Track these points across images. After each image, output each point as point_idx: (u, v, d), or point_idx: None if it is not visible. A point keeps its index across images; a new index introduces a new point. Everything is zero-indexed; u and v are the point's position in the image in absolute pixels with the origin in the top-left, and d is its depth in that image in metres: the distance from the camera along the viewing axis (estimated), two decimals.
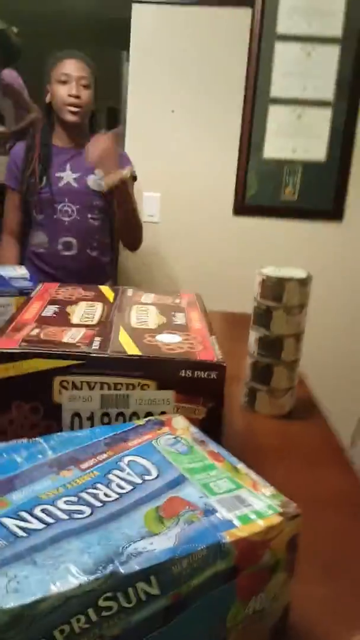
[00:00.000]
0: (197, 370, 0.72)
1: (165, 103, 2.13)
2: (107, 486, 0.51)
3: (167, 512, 0.47)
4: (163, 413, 0.73)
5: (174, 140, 2.15)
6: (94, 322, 0.84)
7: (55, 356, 0.70)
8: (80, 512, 0.46)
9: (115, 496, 0.49)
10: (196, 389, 0.73)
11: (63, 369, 0.70)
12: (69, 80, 1.63)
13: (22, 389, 0.70)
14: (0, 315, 1.11)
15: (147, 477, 0.53)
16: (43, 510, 0.46)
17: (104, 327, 0.81)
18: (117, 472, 0.54)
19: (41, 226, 1.72)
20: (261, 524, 0.46)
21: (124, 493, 0.50)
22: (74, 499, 0.48)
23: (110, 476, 0.53)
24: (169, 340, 0.78)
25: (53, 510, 0.46)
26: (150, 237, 1.94)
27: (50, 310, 0.87)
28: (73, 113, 1.65)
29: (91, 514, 0.46)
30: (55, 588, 0.37)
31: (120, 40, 2.31)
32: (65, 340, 0.74)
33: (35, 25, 3.73)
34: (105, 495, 0.50)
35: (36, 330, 0.77)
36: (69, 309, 0.89)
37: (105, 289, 1.05)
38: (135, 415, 0.73)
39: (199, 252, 2.24)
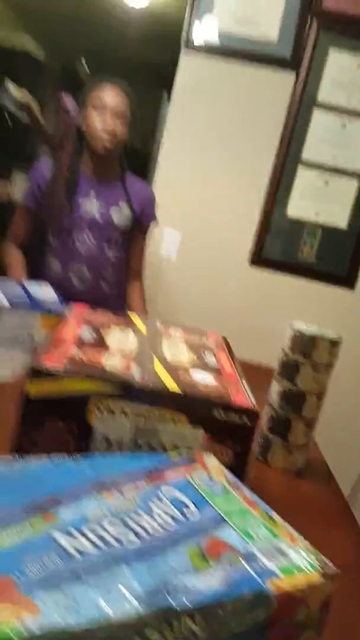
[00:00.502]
0: (230, 413, 0.73)
1: (198, 148, 2.19)
2: (150, 515, 0.51)
3: (210, 551, 0.47)
4: (191, 450, 0.73)
5: (202, 185, 2.20)
6: (129, 349, 0.85)
7: (96, 379, 0.71)
8: (128, 538, 0.46)
9: (158, 528, 0.50)
10: (227, 431, 0.73)
11: (101, 393, 0.71)
12: (104, 110, 1.56)
13: (59, 407, 0.70)
14: (28, 332, 1.12)
15: (186, 513, 0.53)
16: (92, 531, 0.46)
17: (140, 356, 0.83)
18: (157, 502, 0.54)
19: (55, 253, 1.68)
20: (302, 579, 0.46)
21: (166, 526, 0.50)
22: (120, 524, 0.48)
23: (151, 505, 0.53)
24: (203, 379, 0.79)
25: (102, 533, 0.46)
26: (165, 274, 1.97)
27: (86, 332, 0.88)
28: (104, 145, 1.58)
29: (138, 542, 0.46)
30: (110, 611, 0.37)
31: (164, 81, 2.40)
32: (105, 364, 0.75)
33: (97, 63, 3.87)
34: (149, 525, 0.50)
35: (77, 351, 0.78)
36: (103, 332, 0.90)
37: (134, 317, 1.07)
38: (163, 448, 0.73)
39: (212, 295, 2.27)
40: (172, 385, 0.74)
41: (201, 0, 2.06)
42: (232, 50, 2.10)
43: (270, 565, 0.47)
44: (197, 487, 0.58)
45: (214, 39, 2.09)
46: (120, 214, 1.66)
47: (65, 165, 1.62)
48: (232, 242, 2.24)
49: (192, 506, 0.54)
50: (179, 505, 0.54)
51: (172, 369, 0.80)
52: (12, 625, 0.33)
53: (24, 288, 1.25)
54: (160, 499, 0.54)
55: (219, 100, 2.16)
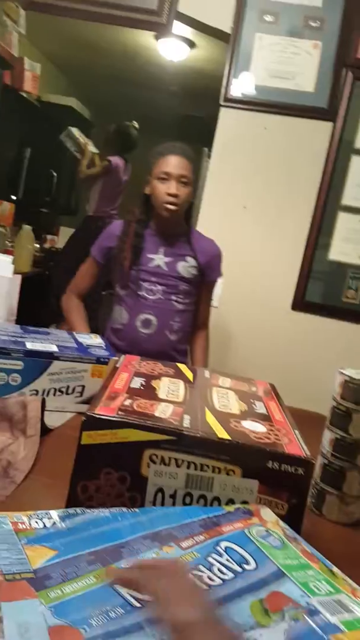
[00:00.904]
0: (284, 464, 0.72)
1: (238, 198, 2.24)
2: (210, 569, 0.52)
3: (271, 605, 0.47)
4: (245, 502, 0.72)
5: (243, 233, 2.24)
6: (180, 399, 0.86)
7: (149, 429, 0.72)
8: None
9: (219, 581, 0.50)
10: (281, 482, 0.72)
11: (154, 442, 0.72)
12: (169, 179, 1.65)
13: (113, 457, 0.72)
14: (77, 380, 1.14)
15: (246, 567, 0.53)
16: None
17: (190, 406, 0.83)
18: (215, 556, 0.54)
19: (122, 302, 1.75)
20: None
21: (227, 579, 0.51)
22: None
23: (210, 559, 0.53)
24: (254, 429, 0.79)
25: None
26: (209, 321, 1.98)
27: (137, 383, 0.89)
28: (169, 210, 1.66)
29: None
30: None
31: (204, 137, 2.48)
32: (157, 414, 0.76)
33: (125, 114, 4.04)
34: (210, 579, 0.50)
35: (129, 401, 0.79)
36: (154, 383, 0.91)
37: (183, 367, 1.08)
38: (217, 500, 0.72)
39: (256, 341, 2.27)
40: (223, 435, 0.74)
41: (239, 57, 2.15)
42: (270, 103, 2.16)
43: (334, 619, 0.47)
44: (254, 540, 0.58)
45: (252, 92, 2.16)
46: (187, 267, 1.73)
47: (133, 224, 1.73)
48: (274, 288, 2.25)
49: (251, 560, 0.54)
50: (238, 559, 0.54)
51: (223, 419, 0.80)
52: None
53: (74, 337, 1.28)
54: (219, 554, 0.54)
55: (258, 150, 2.21)
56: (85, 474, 0.72)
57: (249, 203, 2.24)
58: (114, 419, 0.72)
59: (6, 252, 3.09)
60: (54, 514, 0.57)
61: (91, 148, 3.75)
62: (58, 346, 1.17)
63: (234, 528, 0.60)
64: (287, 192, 2.22)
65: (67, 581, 0.46)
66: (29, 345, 1.13)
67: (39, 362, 1.11)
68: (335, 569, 0.56)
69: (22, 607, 0.41)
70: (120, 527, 0.56)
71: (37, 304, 3.23)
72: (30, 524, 0.54)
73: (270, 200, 2.23)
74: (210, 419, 0.79)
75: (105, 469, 0.70)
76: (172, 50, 3.81)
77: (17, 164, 4.02)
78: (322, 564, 0.56)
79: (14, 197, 3.93)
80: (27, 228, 3.69)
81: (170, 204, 1.65)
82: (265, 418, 0.85)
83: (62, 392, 1.14)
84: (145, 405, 0.79)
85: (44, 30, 3.57)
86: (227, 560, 0.53)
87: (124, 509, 0.60)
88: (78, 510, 0.60)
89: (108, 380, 0.88)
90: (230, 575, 0.51)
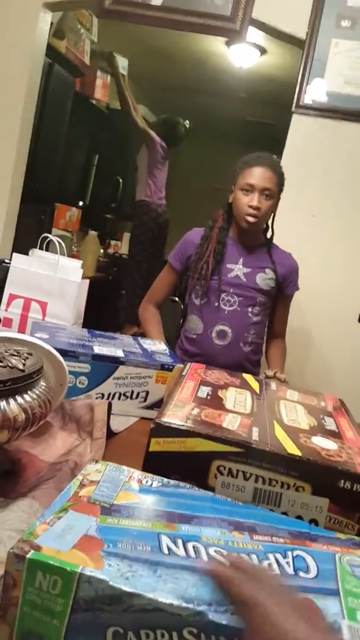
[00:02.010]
0: (357, 484, 0.69)
1: (307, 207, 2.19)
2: (258, 558, 0.51)
3: None
4: (313, 520, 0.70)
5: (311, 242, 2.19)
6: (247, 411, 0.84)
7: (218, 440, 0.71)
8: (218, 561, 0.49)
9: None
10: (352, 502, 0.70)
11: (223, 453, 0.70)
12: (253, 191, 1.63)
13: (180, 466, 0.71)
14: (142, 386, 1.15)
15: (301, 574, 0.50)
16: (194, 547, 0.50)
17: (258, 418, 0.81)
18: (279, 556, 0.52)
19: (198, 312, 1.74)
20: None
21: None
22: (224, 552, 0.50)
23: (270, 555, 0.52)
24: (325, 446, 0.76)
25: (201, 550, 0.50)
26: None
27: (204, 392, 0.89)
28: (249, 222, 1.65)
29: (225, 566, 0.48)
30: (152, 594, 0.42)
31: (274, 144, 2.45)
32: (224, 425, 0.75)
33: (193, 120, 4.07)
34: None
35: (196, 410, 0.78)
36: (220, 393, 0.90)
37: (249, 378, 1.06)
38: (284, 514, 0.70)
39: (319, 353, 2.21)
40: (294, 450, 0.72)
41: (313, 63, 2.11)
42: (343, 110, 2.11)
43: (346, 638, 0.43)
44: (338, 562, 0.54)
45: (325, 99, 2.12)
46: (266, 279, 1.72)
47: (215, 233, 1.72)
48: (342, 299, 2.19)
49: (313, 572, 0.51)
50: (300, 566, 0.51)
51: (293, 433, 0.78)
52: (76, 566, 0.43)
53: (139, 343, 1.29)
54: (285, 556, 0.53)
55: (329, 158, 2.17)
56: None
57: (318, 212, 2.19)
58: (183, 427, 0.72)
59: (72, 256, 3.16)
60: (161, 480, 0.63)
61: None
62: (124, 351, 1.17)
63: (327, 549, 0.56)
64: (357, 200, 2.16)
65: (128, 517, 0.53)
66: (97, 349, 1.14)
67: (105, 366, 1.12)
68: None
69: (81, 518, 0.51)
70: (208, 506, 0.58)
71: (101, 309, 3.29)
72: (140, 480, 0.62)
73: (339, 210, 2.17)
74: (280, 433, 0.77)
75: (172, 477, 0.69)
76: (243, 56, 3.80)
77: (86, 171, 4.12)
78: None
79: (81, 203, 4.03)
80: (92, 234, 3.78)
81: (251, 215, 1.63)
82: (336, 435, 0.82)
83: (126, 396, 1.15)
84: (213, 415, 0.78)
85: (114, 38, 3.65)
86: (287, 563, 0.51)
87: (227, 498, 0.62)
88: (182, 484, 0.64)
89: (174, 388, 0.87)
90: (276, 570, 0.50)
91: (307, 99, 2.14)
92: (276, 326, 1.84)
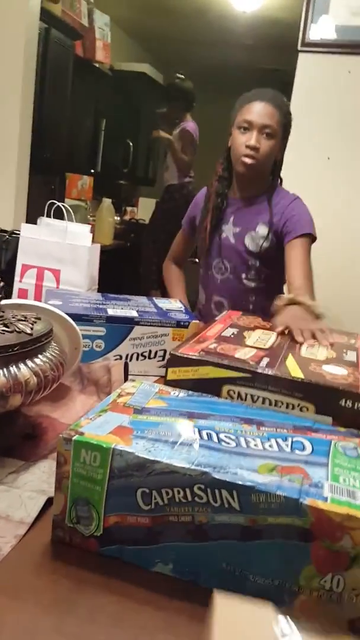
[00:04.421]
0: (358, 403, 0.72)
1: (321, 149, 2.12)
2: (262, 441, 0.58)
3: (283, 470, 0.53)
4: None
5: (327, 186, 2.12)
6: (266, 346, 0.88)
7: (225, 367, 0.78)
8: (227, 443, 0.57)
9: (260, 447, 0.57)
10: (355, 421, 0.71)
11: (231, 379, 0.78)
12: (251, 128, 1.42)
13: (195, 391, 0.75)
14: (159, 345, 1.14)
15: (297, 452, 0.57)
16: (207, 433, 0.59)
17: (274, 352, 0.86)
18: (280, 440, 0.59)
19: (202, 282, 1.64)
20: (346, 509, 0.47)
21: (267, 448, 0.57)
22: (233, 437, 0.59)
23: (272, 440, 0.59)
24: (333, 371, 0.78)
25: (213, 435, 0.59)
26: None
27: (229, 332, 0.95)
28: (245, 164, 1.43)
29: (233, 446, 0.57)
30: (169, 461, 0.52)
31: (282, 88, 2.36)
32: (237, 356, 0.81)
33: (201, 75, 3.94)
34: (254, 444, 0.58)
35: (214, 345, 0.85)
36: (245, 333, 0.95)
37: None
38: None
39: (337, 300, 2.17)
40: (297, 374, 0.75)
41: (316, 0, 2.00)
42: (353, 44, 2.01)
43: (328, 494, 0.49)
44: (333, 446, 0.59)
45: (332, 34, 2.02)
46: (255, 239, 1.50)
47: (214, 191, 1.54)
48: None
49: (308, 449, 0.58)
50: (297, 446, 0.58)
51: (304, 363, 0.81)
52: (110, 444, 0.54)
53: (153, 302, 1.28)
54: (285, 440, 0.59)
55: (342, 96, 2.08)
56: None
57: (333, 154, 2.11)
58: (194, 357, 0.80)
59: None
60: (187, 392, 0.71)
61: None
62: (138, 311, 1.16)
63: (325, 437, 0.61)
64: None
65: (156, 415, 0.62)
66: (110, 312, 1.13)
67: (120, 328, 1.12)
68: None
69: (116, 416, 0.61)
70: (227, 409, 0.66)
71: (120, 276, 3.28)
72: (169, 392, 0.70)
73: (357, 151, 2.09)
74: (290, 362, 0.81)
75: None
76: (245, 0, 3.65)
77: (95, 137, 4.05)
78: None
79: (92, 171, 3.98)
80: (107, 201, 3.74)
81: (248, 156, 1.42)
82: (352, 365, 0.83)
83: (144, 356, 1.14)
84: (229, 348, 0.83)
85: None
86: (286, 445, 0.58)
87: (245, 405, 0.69)
88: (205, 395, 0.71)
89: (202, 329, 0.93)
90: (275, 448, 0.57)
91: (313, 35, 2.04)
92: (294, 282, 1.41)
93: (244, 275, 1.53)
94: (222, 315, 1.03)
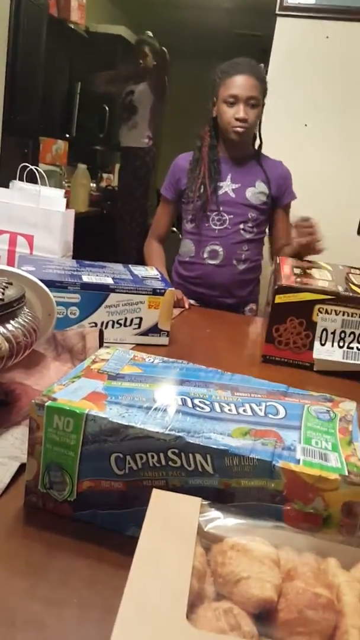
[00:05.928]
0: None
1: (299, 116, 2.10)
2: (236, 406, 0.60)
3: (256, 434, 0.54)
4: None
5: (304, 153, 2.11)
6: (330, 278, 1.19)
7: (319, 292, 1.11)
8: (202, 408, 0.58)
9: (234, 412, 0.58)
10: None
11: (322, 300, 1.11)
12: (237, 102, 1.58)
13: (294, 310, 1.12)
14: (134, 312, 1.13)
15: (270, 416, 0.58)
16: (182, 399, 0.60)
17: (338, 281, 1.17)
18: (254, 404, 0.61)
19: (190, 235, 1.72)
20: (317, 471, 0.48)
21: (241, 412, 0.58)
22: (207, 402, 0.60)
23: (246, 405, 0.60)
24: None
25: (187, 400, 0.59)
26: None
27: (297, 269, 1.23)
28: (238, 133, 1.62)
29: (207, 411, 0.58)
30: (143, 425, 0.52)
31: (264, 57, 2.32)
32: (319, 285, 1.14)
33: (171, 38, 3.84)
34: (229, 409, 0.59)
35: (300, 279, 1.17)
36: (308, 270, 1.24)
37: (322, 263, 1.33)
38: None
39: None
40: None
41: None
42: (332, 9, 1.97)
43: (300, 457, 0.50)
44: (305, 410, 0.60)
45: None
46: (256, 193, 1.68)
47: (205, 153, 1.67)
48: (339, 212, 2.13)
49: (281, 413, 0.59)
50: (271, 411, 0.60)
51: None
52: (83, 409, 0.53)
53: (129, 270, 1.26)
54: (259, 405, 0.61)
55: (320, 62, 2.05)
56: (278, 320, 1.14)
57: (310, 121, 2.10)
58: (295, 286, 1.13)
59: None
60: (162, 358, 0.72)
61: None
62: (114, 279, 1.15)
63: (298, 401, 0.62)
64: (353, 108, 2.06)
65: (130, 381, 0.62)
66: (85, 278, 1.12)
67: (95, 295, 1.10)
68: (357, 443, 0.54)
69: (90, 382, 0.60)
70: (201, 375, 0.67)
71: (96, 244, 3.23)
72: (143, 358, 0.71)
73: (334, 118, 2.08)
74: (355, 287, 1.15)
75: (289, 317, 1.13)
76: None
77: (70, 100, 3.94)
78: (349, 437, 0.56)
79: (67, 135, 3.88)
80: (82, 167, 3.66)
81: (239, 127, 1.60)
82: None
83: (120, 324, 1.13)
84: (309, 280, 1.17)
85: None
86: (260, 409, 0.59)
87: (220, 371, 0.70)
88: (180, 361, 0.72)
89: (277, 268, 1.23)
90: (249, 412, 0.58)
91: (291, 1, 2.00)
92: (280, 240, 1.76)
93: (242, 226, 1.68)
94: (279, 261, 1.29)
